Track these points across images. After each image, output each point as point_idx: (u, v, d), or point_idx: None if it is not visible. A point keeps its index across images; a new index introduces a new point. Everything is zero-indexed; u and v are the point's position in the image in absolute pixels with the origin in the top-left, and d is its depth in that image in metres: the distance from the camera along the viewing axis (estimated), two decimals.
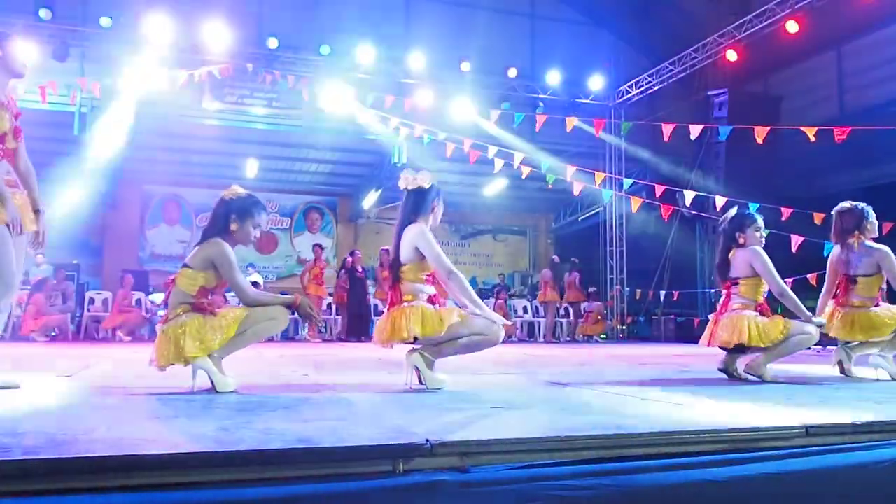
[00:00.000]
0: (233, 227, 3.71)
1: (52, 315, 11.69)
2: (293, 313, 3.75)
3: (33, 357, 6.64)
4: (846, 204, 5.00)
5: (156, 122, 13.68)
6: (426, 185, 4.02)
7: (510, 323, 12.96)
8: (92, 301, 13.37)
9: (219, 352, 3.55)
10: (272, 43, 12.95)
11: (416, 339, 3.75)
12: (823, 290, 5.12)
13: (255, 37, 13.14)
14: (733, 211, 4.85)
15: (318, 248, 13.60)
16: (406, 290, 3.87)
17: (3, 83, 3.47)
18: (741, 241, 4.64)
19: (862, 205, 4.94)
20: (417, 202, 4.02)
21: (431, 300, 3.87)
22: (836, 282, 5.01)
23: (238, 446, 2.00)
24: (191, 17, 12.47)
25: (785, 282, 4.68)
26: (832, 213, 5.07)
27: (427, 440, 2.00)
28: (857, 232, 4.87)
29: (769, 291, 4.57)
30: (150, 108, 12.83)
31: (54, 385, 3.99)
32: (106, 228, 17.34)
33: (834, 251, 5.07)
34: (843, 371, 4.85)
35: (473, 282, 19.21)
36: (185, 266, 3.68)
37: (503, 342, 3.99)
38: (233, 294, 3.96)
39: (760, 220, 4.74)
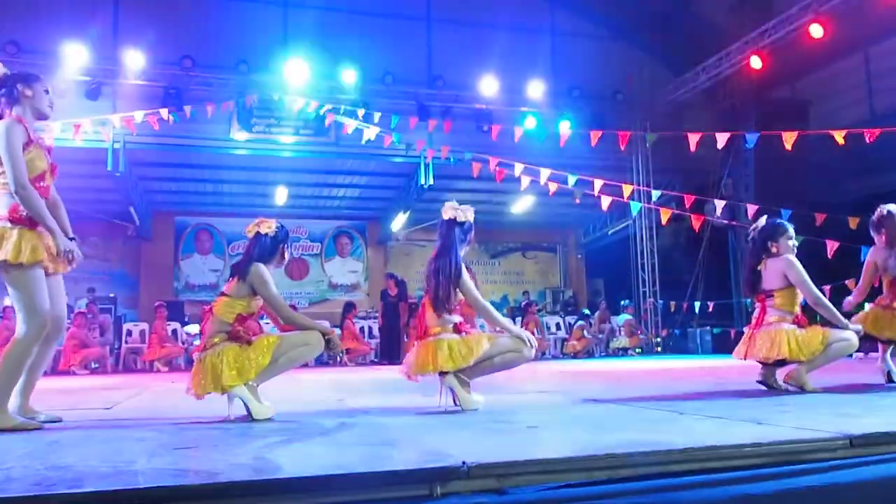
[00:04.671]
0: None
1: (91, 348, 11.89)
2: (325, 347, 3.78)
3: (74, 390, 6.75)
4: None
5: (186, 153, 13.94)
6: (471, 219, 4.09)
7: (539, 340, 12.83)
8: (129, 333, 13.58)
9: (255, 379, 3.59)
10: (297, 71, 13.13)
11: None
12: (858, 288, 5.01)
13: (279, 66, 13.34)
14: (763, 220, 4.74)
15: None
16: (432, 321, 3.90)
17: (30, 122, 3.57)
18: (774, 250, 4.55)
19: None
20: (462, 235, 4.04)
21: (458, 328, 3.88)
22: (872, 282, 4.92)
23: (276, 474, 2.01)
24: (217, 51, 12.75)
25: (822, 289, 4.59)
26: (885, 212, 4.90)
27: (463, 462, 2.00)
28: None
29: (805, 301, 4.48)
30: (181, 140, 13.09)
31: (95, 417, 4.06)
32: (141, 260, 17.63)
33: (873, 251, 4.96)
34: (891, 380, 4.72)
35: (505, 299, 19.26)
36: (223, 294, 3.76)
37: (537, 359, 4.01)
38: (267, 321, 4.03)
39: (791, 229, 4.65)
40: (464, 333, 3.85)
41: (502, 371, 3.95)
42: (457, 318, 3.92)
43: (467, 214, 4.07)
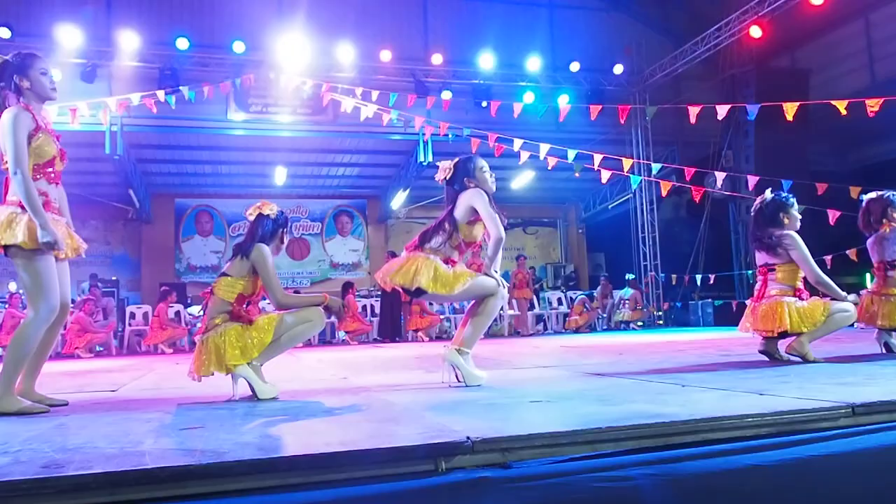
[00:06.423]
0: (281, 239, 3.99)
1: (95, 332, 11.93)
2: (329, 315, 3.81)
3: (79, 373, 6.78)
4: (872, 194, 5.00)
5: (184, 135, 13.89)
6: (455, 166, 4.17)
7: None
8: (133, 315, 13.62)
9: (258, 359, 3.61)
10: (293, 49, 13.01)
11: (419, 290, 3.77)
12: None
13: (275, 45, 13.23)
14: (769, 193, 4.75)
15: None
16: (423, 252, 3.92)
17: (37, 108, 3.53)
18: (785, 221, 4.58)
19: (888, 193, 4.92)
20: (458, 185, 4.13)
21: (447, 261, 3.89)
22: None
23: (282, 452, 2.02)
24: (212, 31, 12.65)
25: (823, 259, 4.61)
26: (861, 200, 5.04)
27: (468, 437, 2.01)
28: (885, 220, 4.86)
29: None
30: (178, 122, 13.03)
31: (101, 400, 4.08)
32: (143, 243, 17.65)
33: (871, 238, 5.04)
34: (889, 350, 4.76)
35: (506, 276, 19.26)
36: (224, 275, 3.77)
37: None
38: (268, 301, 4.04)
39: (796, 205, 4.71)
40: (450, 265, 3.87)
41: (489, 321, 3.96)
42: (449, 254, 3.94)
43: (453, 167, 4.19)
